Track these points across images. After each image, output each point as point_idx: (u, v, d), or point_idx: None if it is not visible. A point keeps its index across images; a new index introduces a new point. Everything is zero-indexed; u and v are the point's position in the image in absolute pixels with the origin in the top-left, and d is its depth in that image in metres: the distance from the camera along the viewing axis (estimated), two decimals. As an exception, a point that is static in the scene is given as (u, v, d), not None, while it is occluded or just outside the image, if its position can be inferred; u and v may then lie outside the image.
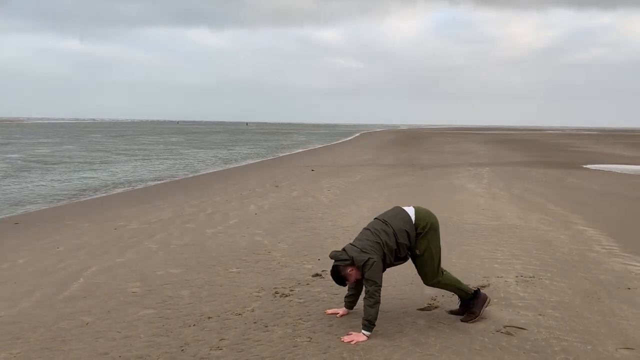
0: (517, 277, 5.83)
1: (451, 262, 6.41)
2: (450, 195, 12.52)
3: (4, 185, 16.71)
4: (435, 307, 4.87)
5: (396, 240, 4.32)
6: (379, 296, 4.20)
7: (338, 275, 4.34)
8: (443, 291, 5.28)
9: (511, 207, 10.68)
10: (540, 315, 4.68)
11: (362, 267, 4.22)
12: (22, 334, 4.29)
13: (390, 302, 5.00)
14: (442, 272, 4.53)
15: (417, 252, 4.38)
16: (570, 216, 9.71)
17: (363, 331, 4.18)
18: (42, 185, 17.04)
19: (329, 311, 4.74)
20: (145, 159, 28.28)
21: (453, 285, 4.55)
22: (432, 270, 4.44)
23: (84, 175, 20.01)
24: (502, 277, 5.83)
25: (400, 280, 5.67)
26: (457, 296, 4.72)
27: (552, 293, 5.29)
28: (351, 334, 4.18)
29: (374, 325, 4.19)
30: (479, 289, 4.65)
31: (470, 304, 4.54)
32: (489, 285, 5.50)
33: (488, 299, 4.61)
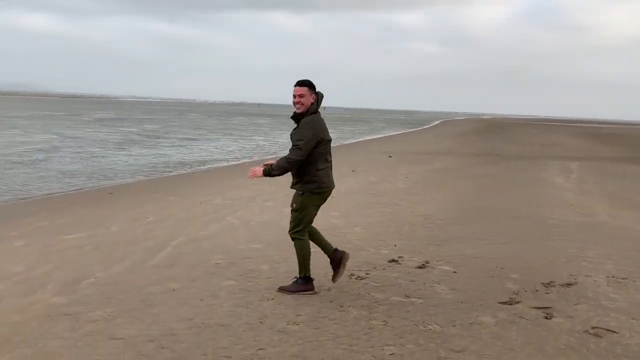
0: (608, 277, 5.47)
1: (535, 257, 6.14)
2: (535, 188, 11.96)
3: (110, 156, 18.29)
4: (517, 302, 4.68)
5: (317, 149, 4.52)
6: (292, 167, 4.48)
7: (312, 82, 4.60)
8: (526, 286, 5.09)
9: (602, 204, 10.03)
10: (633, 319, 4.37)
11: (300, 121, 4.52)
12: (115, 295, 4.61)
13: (469, 293, 4.88)
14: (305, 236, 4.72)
15: (294, 205, 4.64)
16: (670, 217, 8.98)
17: (265, 170, 4.50)
18: (143, 157, 18.56)
19: None
20: (236, 138, 30.15)
21: (305, 254, 4.69)
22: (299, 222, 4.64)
23: (180, 151, 21.51)
24: (591, 276, 5.49)
25: (481, 272, 5.50)
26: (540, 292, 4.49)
27: (647, 297, 4.93)
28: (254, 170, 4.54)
29: (275, 175, 4.52)
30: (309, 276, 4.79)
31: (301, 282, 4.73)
32: (576, 283, 5.21)
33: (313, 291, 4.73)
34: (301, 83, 4.56)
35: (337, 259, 4.83)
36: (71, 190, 11.67)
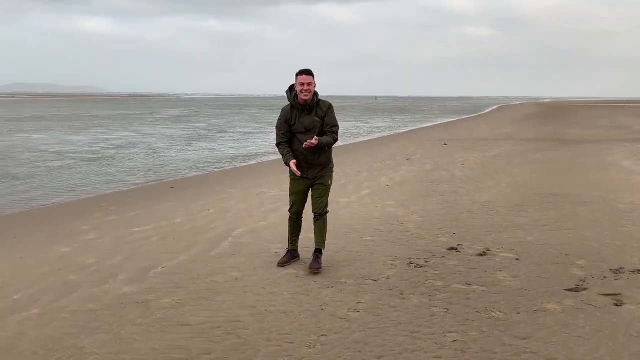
0: (683, 263, 5.20)
1: (603, 243, 5.91)
2: (602, 173, 11.45)
3: (175, 151, 19.02)
4: (584, 289, 4.53)
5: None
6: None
7: (310, 71, 4.85)
8: (593, 273, 4.92)
9: (677, 188, 9.48)
10: None
11: (329, 108, 4.92)
12: (182, 284, 4.81)
13: (533, 280, 4.76)
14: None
15: (330, 182, 5.13)
16: None
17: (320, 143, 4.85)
18: (204, 151, 19.22)
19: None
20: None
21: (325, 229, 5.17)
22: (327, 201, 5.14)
23: (236, 144, 22.07)
24: (665, 262, 5.23)
25: (545, 260, 5.36)
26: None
27: None
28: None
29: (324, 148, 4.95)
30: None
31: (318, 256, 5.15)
32: (648, 270, 4.98)
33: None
34: (308, 72, 4.83)
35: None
36: (137, 185, 12.18)
